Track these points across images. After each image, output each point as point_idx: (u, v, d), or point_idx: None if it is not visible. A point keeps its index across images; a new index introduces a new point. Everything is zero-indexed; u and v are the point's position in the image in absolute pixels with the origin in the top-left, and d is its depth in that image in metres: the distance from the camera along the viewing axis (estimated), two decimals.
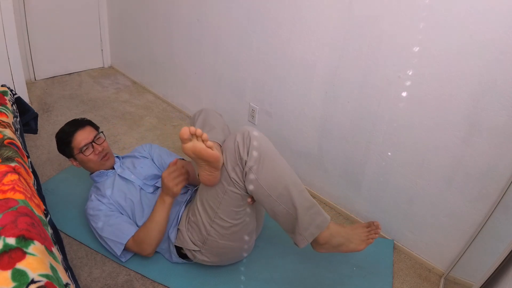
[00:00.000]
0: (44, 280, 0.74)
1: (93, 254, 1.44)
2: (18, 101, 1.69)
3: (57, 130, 2.20)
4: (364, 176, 1.65)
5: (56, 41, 2.82)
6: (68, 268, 1.03)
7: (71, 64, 3.02)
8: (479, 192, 1.32)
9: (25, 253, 0.78)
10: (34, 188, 1.16)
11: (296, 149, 1.90)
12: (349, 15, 1.47)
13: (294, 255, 1.52)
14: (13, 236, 0.80)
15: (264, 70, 1.90)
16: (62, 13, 2.79)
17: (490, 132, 1.24)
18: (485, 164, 1.28)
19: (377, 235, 1.26)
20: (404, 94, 1.40)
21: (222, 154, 1.20)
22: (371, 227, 1.27)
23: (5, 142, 1.22)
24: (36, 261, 0.78)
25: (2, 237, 0.80)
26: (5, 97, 1.55)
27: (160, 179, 1.54)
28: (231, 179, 1.19)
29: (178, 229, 1.37)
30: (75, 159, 1.53)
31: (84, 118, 1.59)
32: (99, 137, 1.53)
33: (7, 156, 1.13)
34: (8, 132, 1.29)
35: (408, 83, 1.38)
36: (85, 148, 1.47)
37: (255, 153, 1.16)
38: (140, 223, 1.42)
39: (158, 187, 1.50)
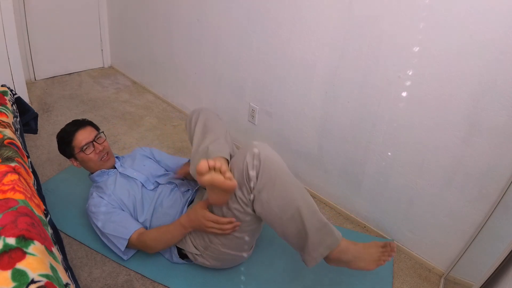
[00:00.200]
0: (44, 280, 0.74)
1: (93, 254, 1.44)
2: (18, 101, 1.69)
3: (57, 130, 2.20)
4: (364, 176, 1.65)
5: (56, 41, 2.82)
6: (68, 268, 1.03)
7: (71, 64, 3.02)
8: (479, 192, 1.32)
9: (25, 253, 0.78)
10: (34, 188, 1.16)
11: (296, 149, 1.90)
12: (349, 15, 1.47)
13: (294, 255, 1.51)
14: (13, 236, 0.80)
15: (264, 70, 1.90)
16: (62, 13, 2.79)
17: (490, 132, 1.24)
18: (485, 164, 1.28)
19: (390, 257, 1.18)
20: (404, 94, 1.40)
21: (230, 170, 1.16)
22: (386, 248, 1.19)
23: (5, 142, 1.22)
24: (36, 261, 0.78)
25: (2, 237, 0.80)
26: (5, 97, 1.55)
27: (164, 176, 1.54)
28: (236, 198, 1.16)
29: None
30: (76, 159, 1.53)
31: (85, 119, 1.60)
32: (100, 137, 1.55)
33: (7, 156, 1.13)
34: (8, 132, 1.29)
35: (408, 83, 1.38)
36: (85, 147, 1.49)
37: (265, 176, 1.11)
38: (140, 219, 1.42)
39: (159, 184, 1.50)
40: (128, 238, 1.35)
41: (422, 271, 1.53)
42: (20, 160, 1.17)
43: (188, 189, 1.51)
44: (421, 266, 1.55)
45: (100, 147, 1.51)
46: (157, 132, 2.34)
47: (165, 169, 1.64)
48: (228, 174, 1.07)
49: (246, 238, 1.28)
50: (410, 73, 1.36)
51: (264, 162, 1.12)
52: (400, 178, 1.53)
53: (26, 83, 2.44)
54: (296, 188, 1.15)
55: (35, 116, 1.79)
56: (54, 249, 0.92)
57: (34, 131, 1.82)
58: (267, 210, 1.14)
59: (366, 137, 1.58)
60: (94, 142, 1.51)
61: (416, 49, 1.32)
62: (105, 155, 1.53)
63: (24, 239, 0.81)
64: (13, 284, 0.71)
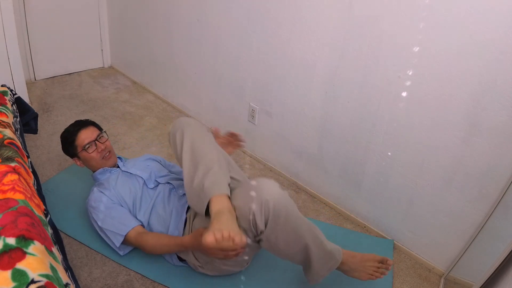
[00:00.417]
0: (44, 280, 0.74)
1: (93, 254, 1.44)
2: (18, 101, 1.69)
3: (57, 130, 2.20)
4: (364, 176, 1.65)
5: (56, 41, 2.82)
6: (68, 268, 1.03)
7: (71, 64, 3.02)
8: (479, 192, 1.32)
9: (25, 253, 0.78)
10: (34, 188, 1.16)
11: (296, 149, 1.90)
12: (349, 15, 1.47)
13: None
14: (13, 236, 0.80)
15: (264, 70, 1.90)
16: (62, 13, 2.79)
17: (490, 132, 1.24)
18: (485, 164, 1.28)
19: (383, 275, 1.26)
20: (404, 94, 1.40)
21: (232, 204, 1.11)
22: (383, 264, 1.26)
23: (5, 142, 1.22)
24: (36, 261, 0.78)
25: (2, 237, 0.80)
26: (5, 97, 1.55)
27: (165, 177, 1.54)
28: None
29: None
30: (79, 158, 1.57)
31: (88, 119, 1.64)
32: (102, 136, 1.58)
33: (7, 156, 1.13)
34: (8, 132, 1.29)
35: (408, 83, 1.38)
36: (88, 146, 1.52)
37: (275, 223, 1.08)
38: (139, 217, 1.43)
39: (159, 183, 1.51)
40: (124, 234, 1.36)
41: (422, 271, 1.53)
42: (20, 160, 1.17)
43: (185, 193, 1.51)
44: (421, 266, 1.55)
45: (102, 146, 1.54)
46: (157, 132, 2.34)
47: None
48: (237, 238, 0.99)
49: (246, 257, 1.29)
50: (410, 73, 1.36)
51: (274, 211, 1.07)
52: (400, 178, 1.53)
53: (26, 83, 2.44)
54: (305, 226, 1.15)
55: (35, 116, 1.80)
56: (54, 249, 0.92)
57: (34, 131, 1.82)
58: (274, 247, 1.16)
59: (366, 137, 1.58)
60: (96, 141, 1.54)
61: (416, 49, 1.32)
62: (107, 153, 1.56)
63: (24, 239, 0.81)
64: (13, 284, 0.71)
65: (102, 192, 1.46)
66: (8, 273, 0.72)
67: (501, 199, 1.25)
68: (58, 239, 1.12)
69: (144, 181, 1.50)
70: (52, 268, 0.81)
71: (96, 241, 1.47)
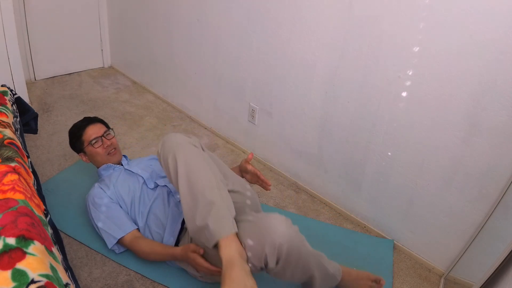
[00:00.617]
0: (44, 280, 0.74)
1: (93, 254, 1.44)
2: (18, 101, 1.69)
3: (57, 130, 2.20)
4: (364, 176, 1.65)
5: (56, 41, 2.82)
6: (68, 268, 1.03)
7: (71, 64, 3.02)
8: (479, 192, 1.32)
9: (25, 253, 0.78)
10: (34, 188, 1.16)
11: (296, 149, 1.90)
12: (349, 15, 1.47)
13: None
14: (13, 236, 0.80)
15: (264, 70, 1.90)
16: (62, 13, 2.79)
17: (490, 132, 1.24)
18: (485, 164, 1.28)
19: None
20: (404, 94, 1.41)
21: (241, 243, 1.07)
22: (376, 283, 1.30)
23: (5, 142, 1.22)
24: (36, 261, 0.78)
25: (2, 237, 0.80)
26: (5, 97, 1.55)
27: (165, 178, 1.54)
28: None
29: None
30: (85, 154, 1.60)
31: (97, 117, 1.69)
32: (109, 133, 1.63)
33: (7, 156, 1.13)
34: (8, 132, 1.29)
35: (408, 83, 1.38)
36: (94, 141, 1.56)
37: (285, 262, 1.07)
38: (137, 217, 1.43)
39: (158, 185, 1.51)
40: (118, 238, 1.38)
41: (422, 271, 1.53)
42: (20, 160, 1.17)
43: None
44: (421, 266, 1.55)
45: (108, 142, 1.59)
46: (157, 132, 2.34)
47: None
48: (249, 283, 0.97)
49: None
50: (410, 73, 1.36)
51: (287, 254, 1.05)
52: (400, 178, 1.53)
53: (26, 83, 2.44)
54: (314, 259, 1.15)
55: (35, 116, 1.80)
56: (54, 249, 0.92)
57: (34, 131, 1.83)
58: (279, 276, 1.14)
59: (366, 137, 1.58)
60: (103, 137, 1.58)
61: (416, 49, 1.32)
62: (113, 150, 1.60)
63: (24, 239, 0.81)
64: (13, 284, 0.71)
65: (102, 189, 1.48)
66: (8, 273, 0.72)
67: (501, 199, 1.25)
68: (58, 239, 1.12)
69: (144, 180, 1.50)
70: (52, 268, 0.81)
71: (96, 241, 1.47)
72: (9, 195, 0.95)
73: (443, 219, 1.45)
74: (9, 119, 1.43)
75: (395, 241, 1.64)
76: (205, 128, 2.45)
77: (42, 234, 0.89)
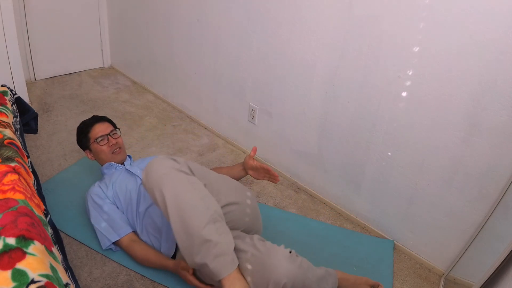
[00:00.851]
0: (44, 280, 0.74)
1: (93, 254, 1.44)
2: (18, 101, 1.69)
3: (57, 130, 2.20)
4: (364, 176, 1.65)
5: (56, 41, 2.82)
6: (68, 268, 1.02)
7: (71, 64, 3.02)
8: (479, 192, 1.32)
9: (25, 253, 0.78)
10: (34, 188, 1.16)
11: (296, 149, 1.90)
12: (349, 15, 1.47)
13: None
14: (13, 236, 0.80)
15: (264, 70, 1.90)
16: (62, 13, 2.79)
17: (490, 132, 1.24)
18: (485, 164, 1.28)
19: None
20: (404, 94, 1.41)
21: (244, 276, 1.07)
22: None
23: (5, 142, 1.22)
24: (36, 261, 0.78)
25: (2, 237, 0.80)
26: (5, 97, 1.56)
27: None
28: None
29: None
30: (90, 151, 1.64)
31: (105, 116, 1.72)
32: (115, 133, 1.66)
33: (7, 156, 1.14)
34: (8, 132, 1.29)
35: (408, 83, 1.38)
36: (100, 139, 1.59)
37: None
38: (134, 219, 1.43)
39: None
40: (113, 241, 1.39)
41: (422, 271, 1.53)
42: (20, 160, 1.17)
43: None
44: (421, 266, 1.55)
45: (114, 141, 1.61)
46: (157, 132, 2.34)
47: None
48: None
49: None
50: (410, 73, 1.36)
51: None
52: (400, 178, 1.53)
53: (26, 83, 2.44)
54: (317, 280, 1.16)
55: (35, 116, 1.80)
56: (54, 249, 0.92)
57: (34, 131, 1.83)
58: None
59: (366, 137, 1.58)
60: (108, 136, 1.61)
61: (416, 49, 1.32)
62: (117, 149, 1.61)
63: (24, 239, 0.81)
64: (13, 284, 0.71)
65: (101, 188, 1.49)
66: (8, 273, 0.72)
67: (501, 199, 1.25)
68: (58, 239, 1.12)
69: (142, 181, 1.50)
70: (52, 268, 0.81)
71: (96, 241, 1.46)
72: (9, 195, 0.95)
73: (443, 219, 1.45)
74: (9, 119, 1.43)
75: (395, 241, 1.64)
76: (205, 128, 2.45)
77: (42, 234, 0.89)
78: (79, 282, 1.29)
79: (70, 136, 2.13)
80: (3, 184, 0.98)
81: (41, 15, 2.67)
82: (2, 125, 1.32)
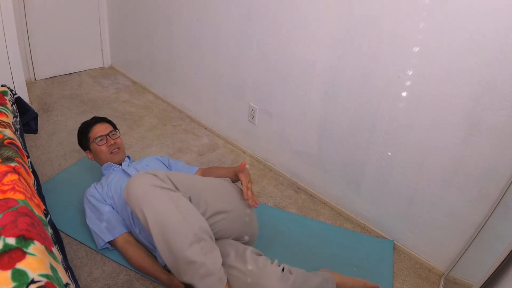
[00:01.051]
0: (44, 280, 0.74)
1: (93, 254, 1.44)
2: (18, 101, 1.69)
3: (57, 130, 2.20)
4: (364, 176, 1.65)
5: (56, 41, 2.82)
6: (68, 268, 1.02)
7: (71, 64, 3.02)
8: (479, 192, 1.32)
9: (25, 253, 0.78)
10: (34, 188, 1.16)
11: (296, 149, 1.90)
12: (349, 15, 1.47)
13: (294, 255, 1.52)
14: (13, 236, 0.80)
15: (264, 70, 1.90)
16: (62, 13, 2.79)
17: (490, 132, 1.24)
18: (485, 164, 1.28)
19: None
20: (404, 94, 1.41)
21: None
22: None
23: (5, 142, 1.22)
24: (36, 261, 0.78)
25: (2, 237, 0.80)
26: (5, 97, 1.56)
27: None
28: None
29: None
30: (90, 151, 1.66)
31: (106, 117, 1.74)
32: (114, 133, 1.68)
33: (7, 156, 1.14)
34: (8, 132, 1.29)
35: (408, 83, 1.38)
36: (99, 139, 1.61)
37: None
38: (130, 220, 1.41)
39: None
40: (106, 241, 1.39)
41: (422, 271, 1.53)
42: (20, 160, 1.17)
43: None
44: (421, 266, 1.55)
45: (112, 141, 1.62)
46: (157, 132, 2.34)
47: None
48: None
49: None
50: (410, 73, 1.36)
51: None
52: (400, 178, 1.53)
53: (26, 83, 2.44)
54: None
55: (35, 116, 1.80)
56: (54, 249, 0.92)
57: (34, 131, 1.83)
58: None
59: (366, 137, 1.58)
60: (107, 136, 1.63)
61: (416, 49, 1.32)
62: (116, 149, 1.62)
63: (24, 239, 0.81)
64: (13, 284, 0.71)
65: (97, 189, 1.50)
66: (8, 273, 0.72)
67: (501, 199, 1.25)
68: (58, 239, 1.12)
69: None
70: (52, 268, 0.81)
71: None
72: (9, 195, 0.95)
73: (443, 219, 1.45)
74: (9, 119, 1.43)
75: (395, 241, 1.64)
76: (205, 128, 2.45)
77: (42, 234, 0.89)
78: (79, 282, 1.29)
79: (70, 136, 2.13)
80: (3, 184, 0.98)
81: (41, 15, 2.67)
82: (2, 125, 1.32)
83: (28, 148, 1.69)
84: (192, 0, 2.18)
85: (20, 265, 0.74)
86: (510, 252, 1.00)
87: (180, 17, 2.32)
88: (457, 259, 1.42)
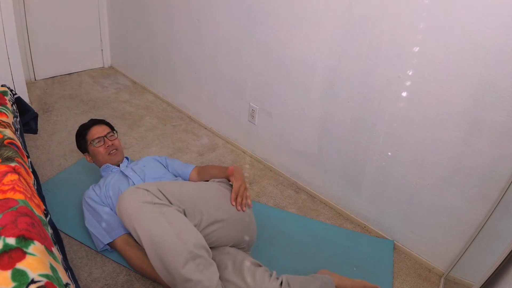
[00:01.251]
0: (44, 280, 0.74)
1: (93, 254, 1.44)
2: (18, 101, 1.69)
3: (57, 130, 2.20)
4: (364, 176, 1.65)
5: (56, 41, 2.82)
6: (68, 268, 1.02)
7: (71, 64, 3.02)
8: (479, 192, 1.32)
9: (25, 253, 0.78)
10: (34, 188, 1.16)
11: (296, 149, 1.90)
12: (349, 15, 1.47)
13: (294, 255, 1.52)
14: (13, 236, 0.80)
15: (264, 70, 1.90)
16: (62, 13, 2.79)
17: (490, 132, 1.24)
18: (485, 164, 1.28)
19: None
20: (404, 94, 1.41)
21: None
22: None
23: (5, 142, 1.22)
24: (36, 261, 0.77)
25: (2, 237, 0.80)
26: (5, 97, 1.56)
27: (157, 179, 1.54)
28: None
29: None
30: (89, 153, 1.66)
31: (103, 119, 1.74)
32: (112, 135, 1.67)
33: (7, 156, 1.14)
34: (8, 132, 1.29)
35: (408, 83, 1.38)
36: (97, 141, 1.61)
37: None
38: None
39: None
40: (105, 243, 1.39)
41: (422, 271, 1.53)
42: (20, 160, 1.17)
43: None
44: (421, 266, 1.55)
45: (109, 143, 1.62)
46: (157, 132, 2.34)
47: (173, 174, 1.64)
48: None
49: None
50: (410, 73, 1.36)
51: None
52: (400, 178, 1.53)
53: (26, 83, 2.44)
54: None
55: (35, 116, 1.80)
56: (54, 249, 0.92)
57: (34, 131, 1.83)
58: None
59: (366, 137, 1.58)
60: (105, 138, 1.63)
61: (416, 49, 1.32)
62: (113, 150, 1.62)
63: (24, 239, 0.81)
64: (13, 284, 0.71)
65: (95, 191, 1.51)
66: (8, 273, 0.72)
67: (501, 199, 1.25)
68: (58, 239, 1.12)
69: (134, 183, 1.50)
70: (52, 268, 0.81)
71: None
72: (9, 195, 0.95)
73: (443, 219, 1.45)
74: (9, 119, 1.43)
75: (395, 241, 1.64)
76: (205, 128, 2.45)
77: (42, 234, 0.89)
78: (79, 282, 1.29)
79: (70, 136, 2.13)
80: (3, 184, 0.98)
81: (41, 15, 2.67)
82: (2, 125, 1.32)
83: (28, 148, 1.69)
84: (192, 0, 2.18)
85: (20, 265, 0.74)
86: (510, 252, 1.00)
87: (180, 17, 2.32)
88: (457, 259, 1.42)
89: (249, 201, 1.32)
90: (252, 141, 2.15)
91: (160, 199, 1.08)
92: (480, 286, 1.10)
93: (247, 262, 1.17)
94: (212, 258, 1.13)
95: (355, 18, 1.46)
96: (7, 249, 0.77)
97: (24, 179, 1.09)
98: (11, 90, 1.67)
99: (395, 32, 1.36)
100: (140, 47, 2.80)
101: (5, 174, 1.03)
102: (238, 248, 1.30)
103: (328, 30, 1.56)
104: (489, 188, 1.29)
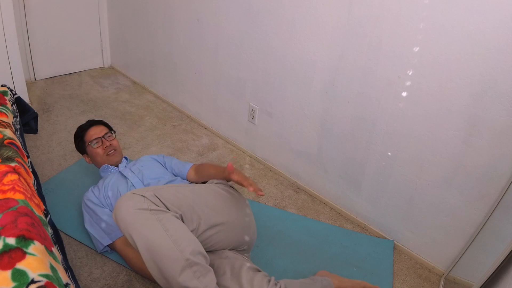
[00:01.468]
0: (44, 280, 0.74)
1: (93, 254, 1.44)
2: (18, 101, 1.69)
3: (57, 130, 2.20)
4: (364, 176, 1.65)
5: (56, 41, 2.82)
6: (68, 268, 1.02)
7: (71, 64, 3.02)
8: (479, 192, 1.32)
9: (25, 253, 0.78)
10: (34, 188, 1.16)
11: (296, 149, 1.90)
12: (349, 15, 1.47)
13: (294, 255, 1.52)
14: (13, 236, 0.80)
15: (264, 70, 1.90)
16: (62, 13, 2.79)
17: (490, 132, 1.24)
18: (485, 164, 1.28)
19: None
20: (404, 94, 1.41)
21: None
22: None
23: (5, 142, 1.22)
24: (36, 261, 0.77)
25: (2, 237, 0.80)
26: (5, 97, 1.56)
27: (155, 179, 1.53)
28: None
29: None
30: (87, 155, 1.65)
31: (101, 120, 1.74)
32: (110, 135, 1.66)
33: (7, 156, 1.14)
34: (8, 132, 1.29)
35: (408, 83, 1.38)
36: (95, 141, 1.61)
37: None
38: None
39: None
40: (105, 244, 1.39)
41: (422, 271, 1.53)
42: (20, 160, 1.17)
43: None
44: (421, 266, 1.55)
45: (107, 143, 1.62)
46: (157, 132, 2.34)
47: (172, 173, 1.64)
48: None
49: None
50: (410, 73, 1.36)
51: None
52: (400, 178, 1.53)
53: (26, 83, 2.44)
54: None
55: (35, 116, 1.80)
56: (54, 249, 0.92)
57: (34, 131, 1.83)
58: None
59: (366, 137, 1.58)
60: (103, 138, 1.62)
61: (416, 49, 1.32)
62: (112, 151, 1.62)
63: (24, 239, 0.81)
64: (13, 284, 0.71)
65: (93, 193, 1.50)
66: (8, 273, 0.72)
67: (501, 199, 1.25)
68: (58, 239, 1.12)
69: (133, 184, 1.50)
70: (52, 268, 0.81)
71: None
72: (9, 195, 0.95)
73: (443, 219, 1.45)
74: (9, 119, 1.43)
75: (395, 241, 1.64)
76: (205, 128, 2.45)
77: (42, 234, 0.89)
78: (79, 282, 1.29)
79: (70, 136, 2.13)
80: (3, 184, 0.98)
81: (41, 15, 2.67)
82: (2, 125, 1.32)
83: (28, 148, 1.69)
84: (192, 0, 2.18)
85: (20, 265, 0.74)
86: (510, 252, 1.00)
87: (180, 17, 2.32)
88: (457, 259, 1.42)
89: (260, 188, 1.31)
90: (252, 141, 2.15)
91: (157, 205, 1.07)
92: (480, 286, 1.10)
93: (246, 268, 1.15)
94: (211, 262, 1.11)
95: (355, 18, 1.46)
96: (7, 249, 0.77)
97: (24, 179, 1.09)
98: (11, 90, 1.67)
99: (395, 32, 1.36)
100: (140, 47, 2.80)
101: (5, 174, 1.03)
102: (239, 250, 1.29)
103: (328, 30, 1.56)
104: (489, 188, 1.29)
